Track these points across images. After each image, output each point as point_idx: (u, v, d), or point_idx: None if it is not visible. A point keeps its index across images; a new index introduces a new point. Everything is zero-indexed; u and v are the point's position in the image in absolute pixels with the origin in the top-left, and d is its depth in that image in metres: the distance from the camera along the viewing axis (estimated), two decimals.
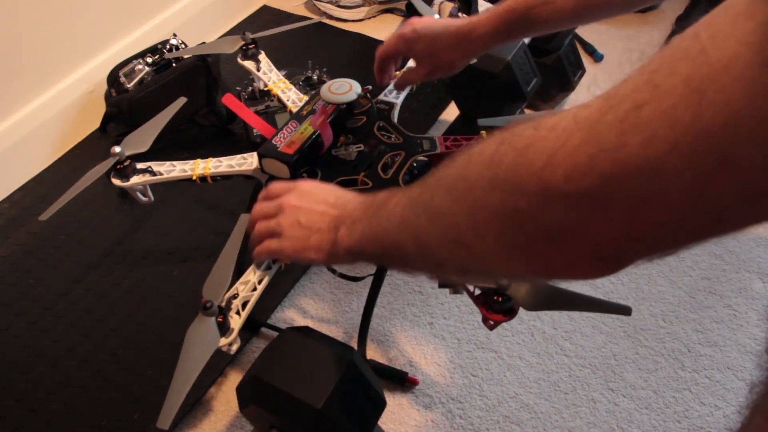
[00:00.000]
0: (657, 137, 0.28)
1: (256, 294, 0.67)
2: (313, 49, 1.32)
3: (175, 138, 1.10)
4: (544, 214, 0.32)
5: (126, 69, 1.09)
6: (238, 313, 0.64)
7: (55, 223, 0.99)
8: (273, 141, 0.75)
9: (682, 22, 1.32)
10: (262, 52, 0.95)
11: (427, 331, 0.85)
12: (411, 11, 1.43)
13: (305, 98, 0.83)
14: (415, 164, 0.75)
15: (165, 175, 0.77)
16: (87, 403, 0.78)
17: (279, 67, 0.95)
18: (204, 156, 0.80)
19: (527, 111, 1.11)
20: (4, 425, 0.76)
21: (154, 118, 0.81)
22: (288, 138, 0.75)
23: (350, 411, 0.61)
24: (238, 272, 0.69)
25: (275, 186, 0.63)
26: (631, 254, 0.32)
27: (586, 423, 0.76)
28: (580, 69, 1.16)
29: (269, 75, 0.93)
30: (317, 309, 0.88)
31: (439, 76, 0.80)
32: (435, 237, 0.42)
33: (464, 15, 1.13)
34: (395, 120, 0.82)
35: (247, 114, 0.86)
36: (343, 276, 0.82)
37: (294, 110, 0.83)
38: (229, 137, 1.14)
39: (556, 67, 1.10)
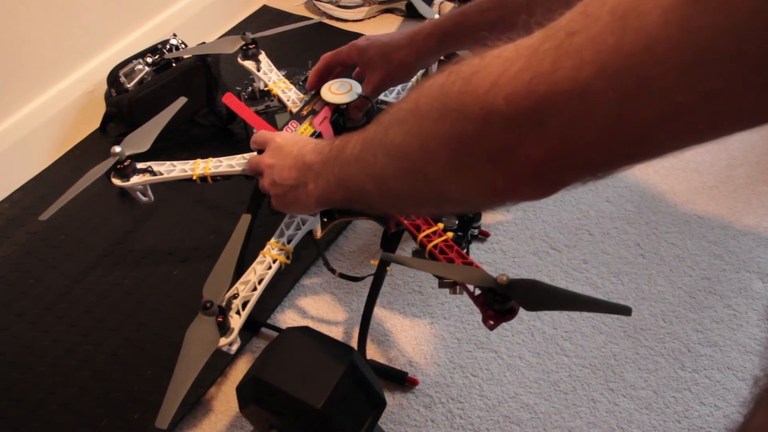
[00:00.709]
0: (585, 61, 0.30)
1: (256, 294, 0.67)
2: (313, 49, 1.32)
3: (175, 138, 1.10)
4: (488, 136, 0.35)
5: (126, 69, 1.09)
6: (238, 313, 0.64)
7: (55, 223, 0.99)
8: None
9: None
10: (263, 52, 0.96)
11: (427, 331, 0.85)
12: (411, 11, 1.43)
13: (305, 98, 0.83)
14: None
15: (165, 175, 0.77)
16: (87, 403, 0.78)
17: (279, 67, 0.95)
18: (204, 156, 0.80)
19: None
20: (4, 425, 0.76)
21: (154, 118, 0.81)
22: None
23: (350, 411, 0.61)
24: (239, 272, 0.69)
25: (256, 137, 0.69)
26: (567, 174, 0.35)
27: (586, 423, 0.76)
28: None
29: (269, 75, 0.93)
30: (317, 309, 0.88)
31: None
32: (391, 171, 0.45)
33: None
34: None
35: (247, 114, 0.86)
36: (343, 276, 0.82)
37: (294, 110, 0.83)
38: (229, 137, 1.14)
39: None
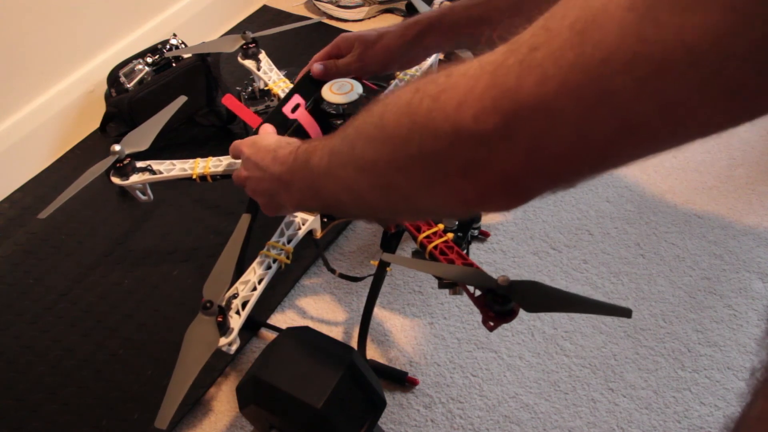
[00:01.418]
0: (547, 77, 0.30)
1: (256, 294, 0.67)
2: (313, 49, 1.31)
3: (175, 138, 1.10)
4: (459, 152, 0.36)
5: (126, 69, 1.09)
6: (238, 313, 0.64)
7: (55, 223, 0.99)
8: None
9: None
10: (263, 51, 0.95)
11: (427, 331, 0.85)
12: (411, 11, 1.43)
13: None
14: None
15: (165, 174, 0.77)
16: (87, 403, 0.78)
17: (279, 67, 0.95)
18: (204, 156, 0.80)
19: None
20: (4, 425, 0.76)
21: (154, 116, 0.81)
22: None
23: (350, 411, 0.61)
24: (239, 272, 0.69)
25: (231, 148, 0.69)
26: (536, 186, 0.36)
27: (586, 423, 0.76)
28: None
29: (269, 74, 0.93)
30: (317, 309, 0.88)
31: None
32: (364, 185, 0.45)
33: None
34: None
35: (246, 114, 0.86)
36: (343, 276, 0.82)
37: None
38: (229, 137, 1.14)
39: None
